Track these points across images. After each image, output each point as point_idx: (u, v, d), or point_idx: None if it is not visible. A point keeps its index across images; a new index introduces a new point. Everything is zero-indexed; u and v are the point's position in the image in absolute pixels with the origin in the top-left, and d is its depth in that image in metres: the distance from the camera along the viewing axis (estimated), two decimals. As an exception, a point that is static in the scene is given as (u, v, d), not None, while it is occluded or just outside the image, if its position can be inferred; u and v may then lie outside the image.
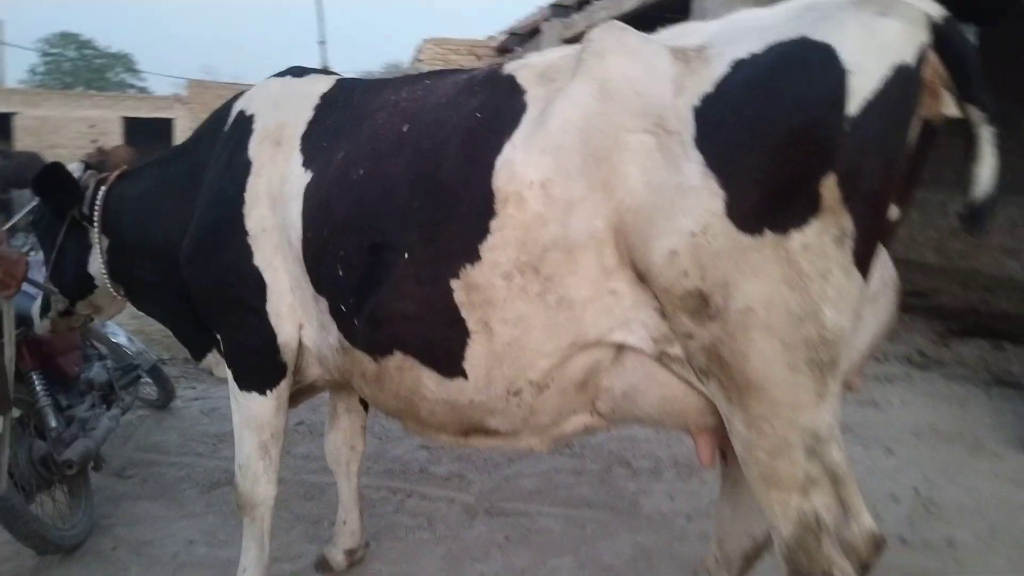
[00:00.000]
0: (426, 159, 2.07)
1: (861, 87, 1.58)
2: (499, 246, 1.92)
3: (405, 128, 2.16)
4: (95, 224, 2.98)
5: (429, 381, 2.18)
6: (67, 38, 56.25)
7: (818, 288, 1.62)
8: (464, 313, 2.01)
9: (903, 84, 1.60)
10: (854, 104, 1.58)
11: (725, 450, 2.11)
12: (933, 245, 12.08)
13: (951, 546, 3.32)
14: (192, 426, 4.94)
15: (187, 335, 2.92)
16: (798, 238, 1.62)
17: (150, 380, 5.13)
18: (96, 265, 3.04)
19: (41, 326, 3.29)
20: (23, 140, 27.86)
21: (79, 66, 56.06)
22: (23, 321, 3.40)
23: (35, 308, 3.30)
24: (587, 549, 3.34)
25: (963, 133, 1.66)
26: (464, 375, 2.10)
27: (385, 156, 2.16)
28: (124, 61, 57.80)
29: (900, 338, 7.11)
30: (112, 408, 4.09)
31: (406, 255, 2.07)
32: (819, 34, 1.64)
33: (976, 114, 1.63)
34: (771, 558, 1.97)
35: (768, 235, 1.63)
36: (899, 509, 3.64)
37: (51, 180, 2.97)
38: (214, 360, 2.84)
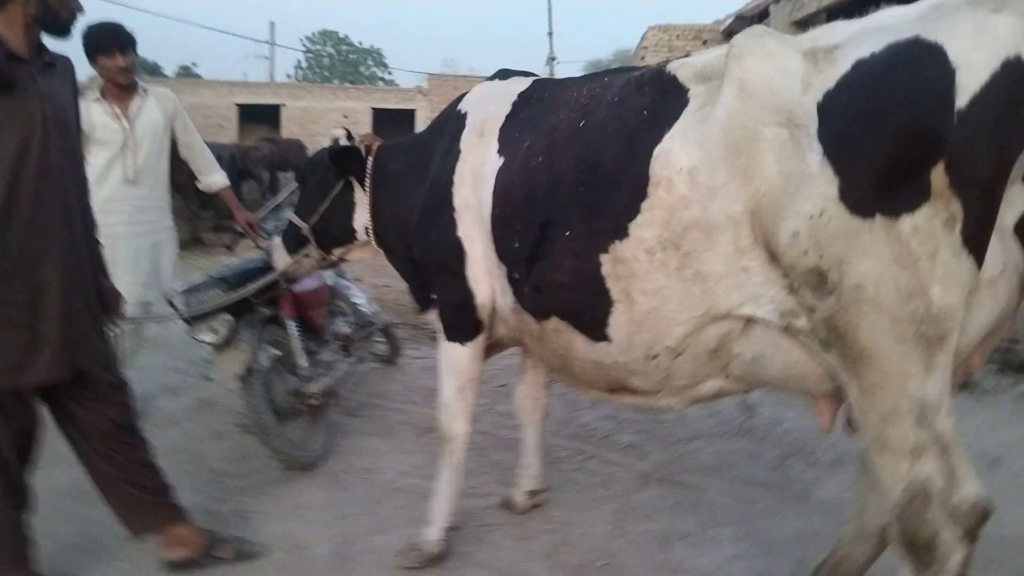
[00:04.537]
0: (593, 151, 2.38)
1: (969, 82, 1.66)
2: (646, 224, 2.19)
3: (581, 124, 2.48)
4: (365, 188, 3.38)
5: (579, 343, 2.52)
6: (327, 35, 61.88)
7: (927, 267, 1.74)
8: (609, 284, 2.31)
9: (1013, 77, 1.66)
10: (962, 98, 1.67)
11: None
12: None
13: None
14: (413, 380, 5.59)
15: (415, 292, 3.35)
16: (908, 221, 1.74)
17: (383, 338, 5.88)
18: (360, 221, 3.46)
19: (284, 264, 3.74)
20: (288, 128, 31.51)
21: (336, 61, 61.65)
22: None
23: (278, 255, 3.78)
24: (751, 524, 3.47)
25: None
26: (608, 339, 2.40)
27: (560, 147, 2.50)
28: (374, 56, 62.86)
29: None
30: (350, 356, 4.82)
31: (566, 233, 2.41)
32: (931, 34, 1.74)
33: None
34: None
35: (879, 218, 1.77)
36: None
37: (347, 152, 3.40)
38: (433, 315, 3.24)
